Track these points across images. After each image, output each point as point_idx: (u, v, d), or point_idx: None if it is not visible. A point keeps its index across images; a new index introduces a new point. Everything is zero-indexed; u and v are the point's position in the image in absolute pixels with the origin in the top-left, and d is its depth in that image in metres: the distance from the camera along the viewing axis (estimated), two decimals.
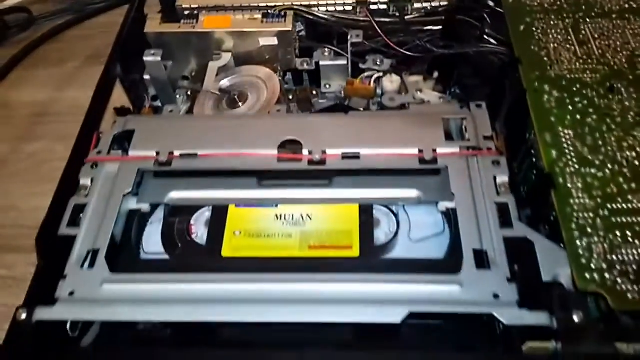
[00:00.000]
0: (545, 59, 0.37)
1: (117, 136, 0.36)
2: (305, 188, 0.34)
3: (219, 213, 0.34)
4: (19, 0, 0.68)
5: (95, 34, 0.65)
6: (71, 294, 0.29)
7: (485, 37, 0.40)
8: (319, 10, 0.44)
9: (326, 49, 0.43)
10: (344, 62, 0.42)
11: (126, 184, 0.33)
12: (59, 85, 0.59)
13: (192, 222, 0.34)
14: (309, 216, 0.33)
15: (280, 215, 0.34)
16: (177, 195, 0.35)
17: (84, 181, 0.34)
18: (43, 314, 0.28)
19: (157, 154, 0.35)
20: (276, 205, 0.34)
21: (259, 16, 0.42)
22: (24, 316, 0.28)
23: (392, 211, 0.34)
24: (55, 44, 0.65)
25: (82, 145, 0.36)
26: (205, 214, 0.34)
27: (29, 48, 0.63)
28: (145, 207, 0.34)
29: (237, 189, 0.35)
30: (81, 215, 0.32)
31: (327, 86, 0.43)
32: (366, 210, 0.33)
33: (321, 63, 0.42)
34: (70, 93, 0.58)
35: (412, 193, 0.34)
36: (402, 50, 0.40)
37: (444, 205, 0.33)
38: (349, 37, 0.41)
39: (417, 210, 0.34)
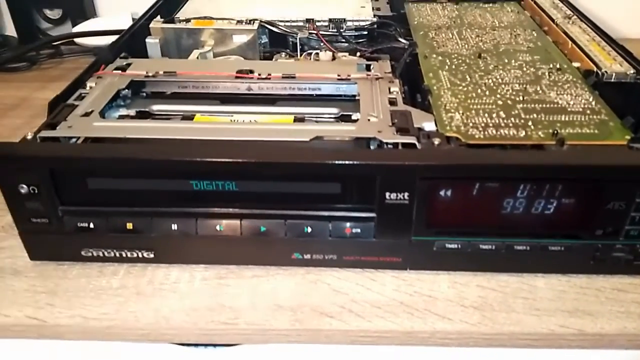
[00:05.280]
0: (434, 44, 0.53)
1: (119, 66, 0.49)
2: (255, 106, 0.46)
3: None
4: None
5: None
6: (69, 127, 0.39)
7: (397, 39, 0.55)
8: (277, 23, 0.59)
9: (282, 53, 0.58)
10: None
11: (122, 83, 0.45)
12: None
13: None
14: (255, 121, 0.45)
15: (234, 120, 0.45)
16: (158, 107, 0.46)
17: (90, 83, 0.45)
18: (46, 133, 0.38)
19: (147, 73, 0.47)
20: (232, 116, 0.45)
21: (234, 22, 0.57)
22: (29, 136, 0.38)
23: None
24: None
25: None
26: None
27: None
28: (131, 112, 0.45)
29: (203, 106, 0.46)
30: (85, 95, 0.43)
31: None
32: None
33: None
34: None
35: (334, 110, 0.45)
36: (330, 47, 0.55)
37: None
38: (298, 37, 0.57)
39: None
